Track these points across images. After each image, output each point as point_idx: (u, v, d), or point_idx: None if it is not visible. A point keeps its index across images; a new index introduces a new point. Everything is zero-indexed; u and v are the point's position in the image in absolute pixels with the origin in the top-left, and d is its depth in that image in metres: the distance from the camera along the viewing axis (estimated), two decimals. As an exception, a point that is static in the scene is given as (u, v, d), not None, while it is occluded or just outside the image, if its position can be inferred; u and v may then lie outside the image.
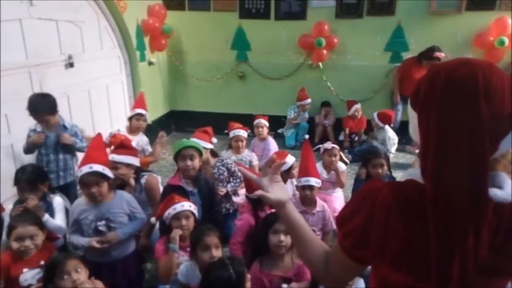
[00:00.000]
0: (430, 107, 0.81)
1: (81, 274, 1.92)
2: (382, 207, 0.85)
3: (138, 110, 3.80)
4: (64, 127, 3.16)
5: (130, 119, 3.84)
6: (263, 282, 2.23)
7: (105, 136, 3.60)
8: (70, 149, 3.19)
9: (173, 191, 2.56)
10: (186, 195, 2.69)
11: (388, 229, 0.84)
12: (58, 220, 2.58)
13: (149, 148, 3.89)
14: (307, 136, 3.65)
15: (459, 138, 0.76)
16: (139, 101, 3.97)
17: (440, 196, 0.77)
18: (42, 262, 2.17)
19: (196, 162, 2.77)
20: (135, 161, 3.02)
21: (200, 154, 2.83)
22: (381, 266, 0.91)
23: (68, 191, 3.15)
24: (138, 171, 3.08)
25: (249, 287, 1.84)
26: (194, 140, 3.11)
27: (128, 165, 2.92)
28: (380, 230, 0.85)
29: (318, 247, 1.02)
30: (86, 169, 2.31)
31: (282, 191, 1.04)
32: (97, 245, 2.31)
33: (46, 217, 2.49)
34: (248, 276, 1.85)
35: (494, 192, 0.80)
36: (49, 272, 1.89)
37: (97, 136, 2.56)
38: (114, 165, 2.85)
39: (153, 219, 2.59)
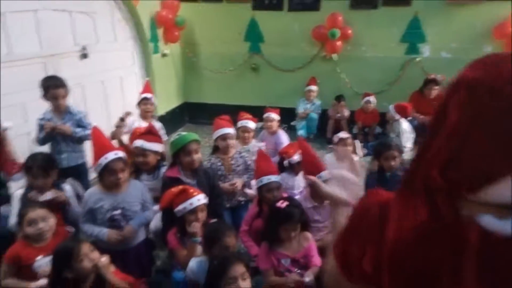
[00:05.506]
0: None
1: (95, 253, 1.93)
2: (373, 228, 0.75)
3: (144, 95, 3.93)
4: (70, 113, 3.16)
5: (138, 104, 3.95)
6: (272, 260, 2.31)
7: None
8: (71, 139, 3.16)
9: (171, 183, 2.53)
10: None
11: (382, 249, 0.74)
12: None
13: (163, 134, 3.90)
14: (301, 132, 3.54)
15: None
16: (145, 87, 4.11)
17: None
18: None
19: (200, 155, 2.74)
20: (162, 148, 3.06)
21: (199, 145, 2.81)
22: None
23: (78, 174, 3.18)
24: (162, 159, 3.10)
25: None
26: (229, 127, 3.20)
27: (155, 153, 2.95)
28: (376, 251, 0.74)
29: None
30: (112, 155, 2.34)
31: None
32: (118, 237, 2.33)
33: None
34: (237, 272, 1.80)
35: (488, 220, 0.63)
36: (63, 259, 1.86)
37: (95, 130, 2.54)
38: (143, 152, 2.87)
39: (156, 207, 2.58)
